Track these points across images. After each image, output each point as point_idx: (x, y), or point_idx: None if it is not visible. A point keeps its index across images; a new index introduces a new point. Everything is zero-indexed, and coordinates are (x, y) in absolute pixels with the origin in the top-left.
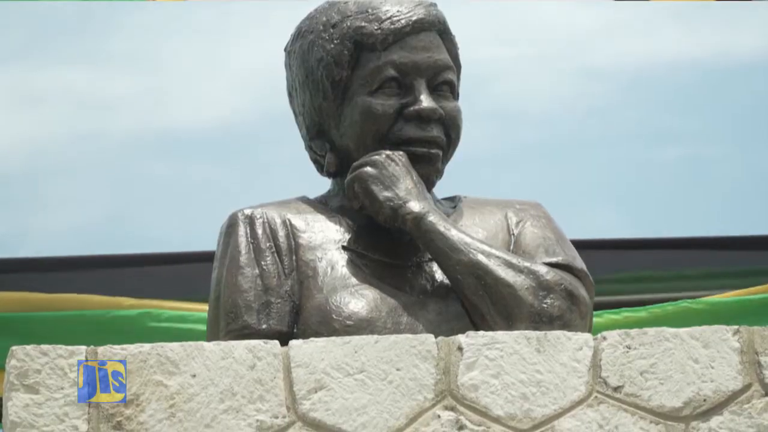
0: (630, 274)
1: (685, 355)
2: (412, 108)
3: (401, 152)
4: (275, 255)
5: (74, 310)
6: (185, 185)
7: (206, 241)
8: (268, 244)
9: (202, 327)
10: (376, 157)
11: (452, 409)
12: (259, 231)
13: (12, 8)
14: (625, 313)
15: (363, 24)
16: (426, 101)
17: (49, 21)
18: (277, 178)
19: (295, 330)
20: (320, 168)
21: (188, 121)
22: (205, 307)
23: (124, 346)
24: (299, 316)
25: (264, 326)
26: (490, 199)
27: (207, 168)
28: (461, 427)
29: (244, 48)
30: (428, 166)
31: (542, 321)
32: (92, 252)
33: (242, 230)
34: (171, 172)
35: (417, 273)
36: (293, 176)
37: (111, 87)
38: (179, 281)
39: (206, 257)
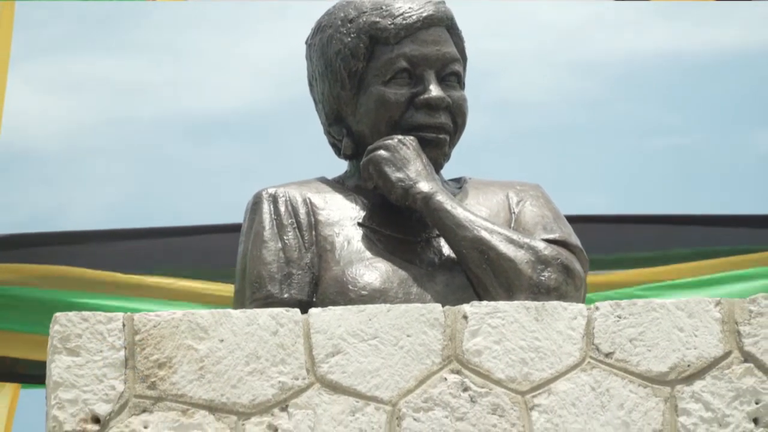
0: (622, 250)
1: (671, 325)
2: (422, 97)
3: (412, 137)
4: (296, 230)
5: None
6: (209, 165)
7: (228, 215)
8: (290, 221)
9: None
10: (389, 141)
11: (458, 372)
12: (282, 208)
13: (53, 5)
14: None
15: (377, 19)
16: (435, 91)
17: (86, 16)
18: (292, 159)
19: (314, 299)
20: (338, 151)
21: (212, 106)
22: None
23: (158, 312)
24: (318, 286)
25: (286, 295)
26: (492, 180)
27: (229, 149)
28: (466, 389)
29: (264, 40)
30: (437, 150)
31: (540, 292)
32: (124, 225)
33: (266, 207)
34: (196, 153)
35: (426, 248)
36: (308, 158)
37: (142, 75)
38: (203, 252)
39: (227, 229)
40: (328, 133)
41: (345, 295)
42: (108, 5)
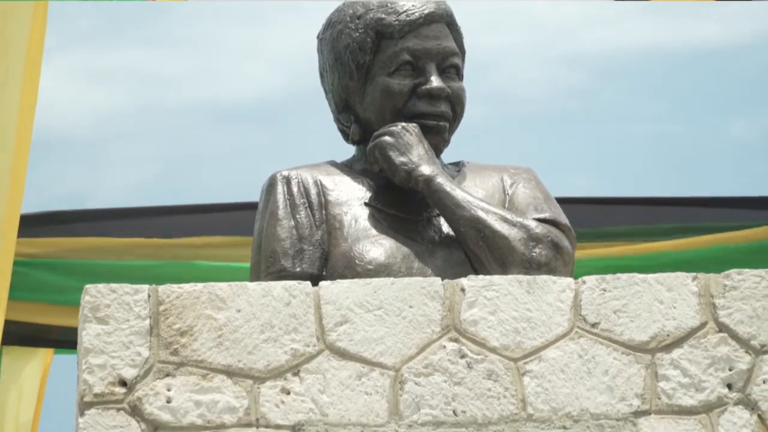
0: (607, 228)
1: (652, 297)
2: (424, 87)
3: (414, 124)
4: (308, 209)
5: (136, 260)
6: (228, 148)
7: (245, 193)
8: (302, 200)
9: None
10: (394, 128)
11: (456, 340)
12: (295, 189)
13: (82, 3)
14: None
15: (383, 16)
16: (436, 82)
17: (115, 9)
18: (304, 144)
19: (324, 273)
20: (346, 137)
21: (232, 94)
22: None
23: (181, 285)
24: (328, 261)
25: (298, 269)
26: (488, 164)
27: (246, 134)
28: (463, 356)
29: (279, 35)
30: (437, 136)
31: (532, 267)
32: (150, 203)
33: (280, 188)
34: (216, 137)
35: (427, 226)
36: (319, 143)
37: (167, 66)
38: (223, 226)
39: (245, 207)
40: (337, 120)
41: (352, 269)
42: (107, 5)
